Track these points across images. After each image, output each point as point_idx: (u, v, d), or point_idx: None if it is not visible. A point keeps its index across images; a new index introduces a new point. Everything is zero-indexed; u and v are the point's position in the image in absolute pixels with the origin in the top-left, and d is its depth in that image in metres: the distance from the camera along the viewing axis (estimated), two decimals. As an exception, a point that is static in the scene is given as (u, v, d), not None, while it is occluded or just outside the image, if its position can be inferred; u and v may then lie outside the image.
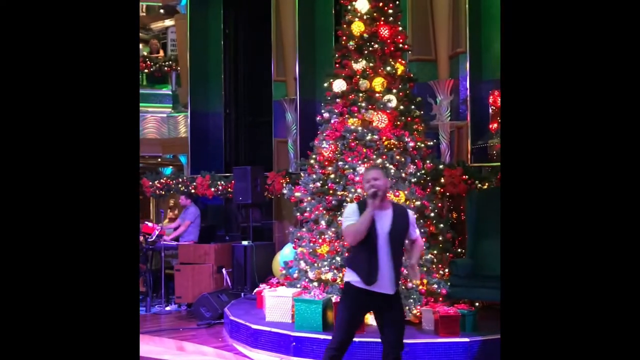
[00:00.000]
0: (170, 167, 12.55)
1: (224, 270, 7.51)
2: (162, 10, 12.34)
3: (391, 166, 5.76)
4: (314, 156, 6.32)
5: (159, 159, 12.23)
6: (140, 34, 13.10)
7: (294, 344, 4.97)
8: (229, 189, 8.52)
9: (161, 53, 11.93)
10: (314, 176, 6.17)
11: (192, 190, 8.77)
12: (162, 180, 9.23)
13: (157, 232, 7.77)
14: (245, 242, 7.59)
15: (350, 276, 3.51)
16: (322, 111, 6.42)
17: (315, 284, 5.67)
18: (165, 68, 11.44)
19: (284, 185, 7.65)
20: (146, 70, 11.41)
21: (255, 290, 6.53)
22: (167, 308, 7.62)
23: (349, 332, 3.52)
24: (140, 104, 11.27)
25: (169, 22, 12.24)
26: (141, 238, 8.03)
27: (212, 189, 8.67)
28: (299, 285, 5.84)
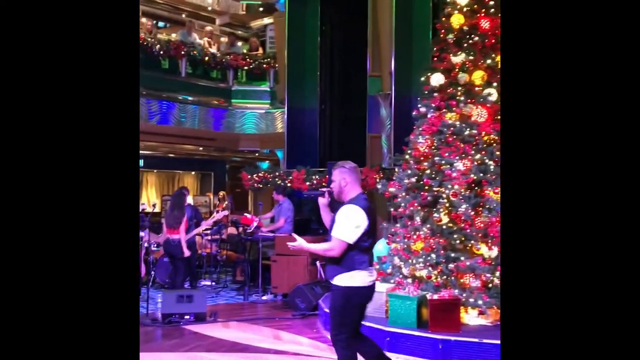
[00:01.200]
0: (267, 161, 12.94)
1: (318, 263, 7.64)
2: (261, 9, 12.72)
3: (491, 162, 5.58)
4: (409, 151, 6.26)
5: (257, 154, 12.65)
6: (239, 32, 13.61)
7: (388, 339, 4.97)
8: (324, 183, 8.64)
9: (260, 50, 12.29)
10: (409, 172, 6.11)
11: (289, 184, 9.00)
12: (259, 174, 9.53)
13: (255, 224, 8.05)
14: (339, 236, 7.66)
15: None
16: (419, 105, 6.34)
17: (410, 280, 5.63)
18: (264, 65, 11.78)
19: (378, 180, 7.65)
20: (245, 68, 11.81)
21: (348, 284, 6.58)
22: (264, 297, 7.88)
23: None
24: (240, 101, 11.75)
25: (267, 20, 12.61)
26: (240, 229, 8.37)
27: (307, 183, 8.85)
28: (392, 281, 5.82)
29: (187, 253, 7.25)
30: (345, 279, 3.51)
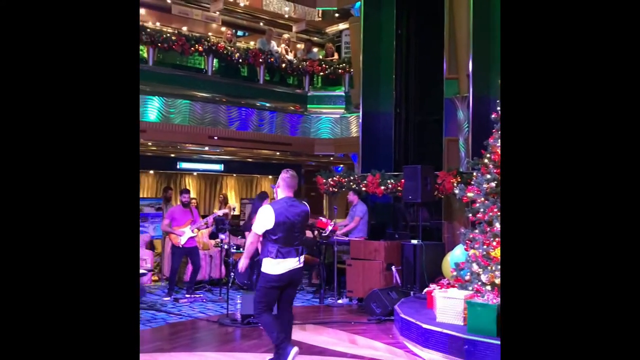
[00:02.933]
0: (342, 165, 13.00)
1: (393, 268, 7.60)
2: (337, 15, 12.83)
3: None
4: (488, 155, 6.10)
5: (332, 158, 12.75)
6: (315, 38, 13.78)
7: (466, 347, 4.87)
8: (399, 188, 8.58)
9: (335, 56, 12.39)
10: (488, 176, 5.96)
11: (363, 189, 9.00)
12: (334, 178, 9.60)
13: (330, 228, 8.11)
14: (414, 241, 7.59)
15: None
16: (498, 108, 6.17)
17: (489, 287, 5.48)
18: (339, 70, 11.87)
19: (455, 185, 7.51)
20: (321, 73, 11.95)
21: (425, 290, 6.51)
22: (339, 301, 7.92)
23: None
24: (316, 106, 11.89)
25: (343, 26, 12.70)
26: (315, 232, 8.48)
27: (382, 187, 8.82)
28: (470, 288, 5.69)
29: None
30: (264, 265, 4.44)
